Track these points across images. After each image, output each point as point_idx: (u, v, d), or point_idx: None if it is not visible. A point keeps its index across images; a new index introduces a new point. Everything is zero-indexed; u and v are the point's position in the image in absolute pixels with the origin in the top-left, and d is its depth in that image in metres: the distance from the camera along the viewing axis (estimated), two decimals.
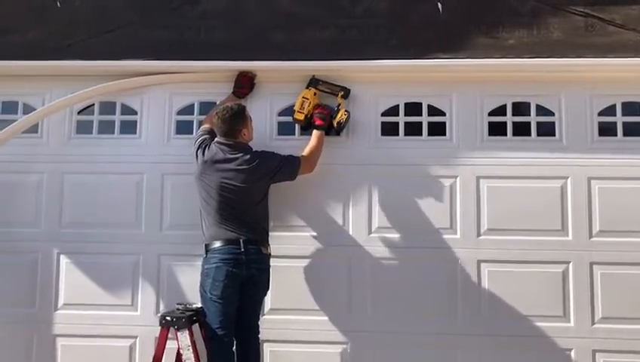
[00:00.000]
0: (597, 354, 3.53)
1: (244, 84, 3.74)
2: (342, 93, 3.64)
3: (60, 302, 3.81)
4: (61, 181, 3.87)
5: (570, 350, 3.54)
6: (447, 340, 3.60)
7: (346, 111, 3.60)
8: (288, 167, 3.45)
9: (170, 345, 3.32)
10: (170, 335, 3.29)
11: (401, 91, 3.77)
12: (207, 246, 3.36)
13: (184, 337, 3.21)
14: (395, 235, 3.68)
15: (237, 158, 3.37)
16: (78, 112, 3.92)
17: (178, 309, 3.37)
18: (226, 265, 3.25)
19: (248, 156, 3.39)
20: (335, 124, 3.61)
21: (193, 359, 3.18)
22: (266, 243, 3.43)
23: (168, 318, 3.27)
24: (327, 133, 3.63)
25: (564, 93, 3.68)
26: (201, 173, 3.38)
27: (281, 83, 3.80)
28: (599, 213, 3.60)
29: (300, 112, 3.63)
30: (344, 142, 3.76)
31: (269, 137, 3.79)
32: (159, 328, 3.60)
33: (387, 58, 3.64)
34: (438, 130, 3.74)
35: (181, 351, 3.23)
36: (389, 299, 3.66)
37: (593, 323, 3.54)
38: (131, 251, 3.80)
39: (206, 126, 3.59)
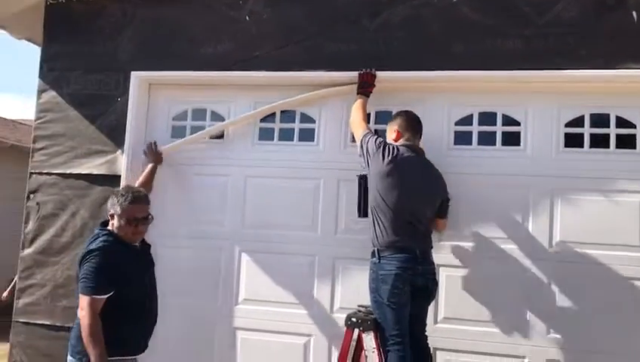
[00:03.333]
0: None
1: (370, 81, 3.78)
2: None
3: (241, 297, 4.06)
4: (244, 184, 4.13)
5: None
6: None
7: None
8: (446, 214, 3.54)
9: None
10: None
11: (586, 102, 3.66)
12: (380, 251, 3.30)
13: (369, 339, 3.29)
14: (578, 250, 3.57)
15: (429, 166, 3.42)
16: (261, 120, 4.16)
17: (360, 311, 3.45)
18: (404, 273, 3.23)
19: (434, 166, 3.45)
20: None
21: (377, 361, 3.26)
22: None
23: (354, 319, 3.36)
24: None
25: None
26: (388, 174, 3.30)
27: (458, 93, 3.82)
28: None
29: None
30: (523, 151, 3.73)
31: (446, 146, 3.83)
32: (333, 328, 3.80)
33: (575, 68, 3.55)
34: (626, 142, 3.59)
35: (365, 353, 3.32)
36: (572, 315, 3.56)
37: None
38: (307, 252, 3.97)
39: (367, 128, 3.54)
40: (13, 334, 4.26)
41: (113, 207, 3.03)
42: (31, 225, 4.30)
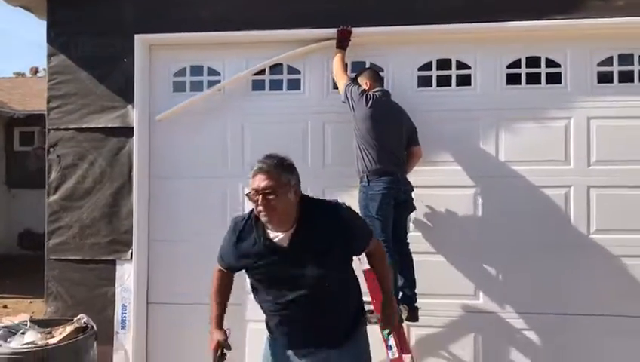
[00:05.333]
0: None
1: (347, 37, 4.51)
2: None
3: None
4: (242, 130, 4.83)
5: None
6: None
7: None
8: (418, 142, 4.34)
9: None
10: None
11: (523, 48, 4.54)
12: (369, 176, 4.08)
13: None
14: (519, 167, 4.51)
15: (396, 104, 4.25)
16: (253, 74, 4.83)
17: None
18: (389, 192, 4.07)
19: (399, 104, 4.30)
20: None
21: None
22: None
23: None
24: None
25: None
26: (371, 115, 4.07)
27: (420, 44, 4.62)
28: None
29: None
30: (473, 90, 4.59)
31: (412, 89, 4.64)
32: None
33: (513, 20, 4.40)
34: (554, 79, 4.52)
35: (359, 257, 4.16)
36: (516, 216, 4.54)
37: None
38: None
39: (348, 79, 4.33)
40: (47, 269, 4.89)
41: None
42: (54, 175, 4.87)
